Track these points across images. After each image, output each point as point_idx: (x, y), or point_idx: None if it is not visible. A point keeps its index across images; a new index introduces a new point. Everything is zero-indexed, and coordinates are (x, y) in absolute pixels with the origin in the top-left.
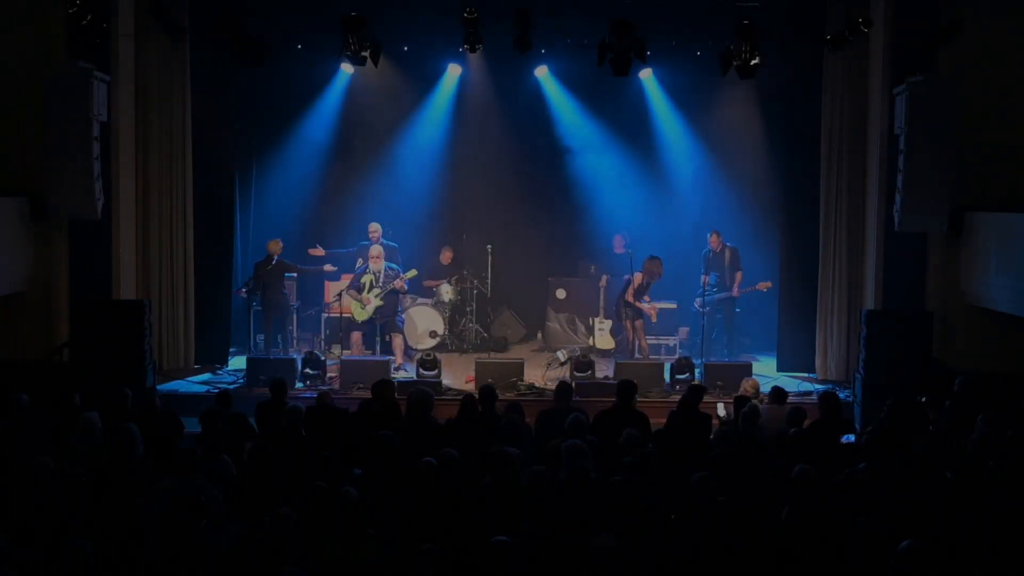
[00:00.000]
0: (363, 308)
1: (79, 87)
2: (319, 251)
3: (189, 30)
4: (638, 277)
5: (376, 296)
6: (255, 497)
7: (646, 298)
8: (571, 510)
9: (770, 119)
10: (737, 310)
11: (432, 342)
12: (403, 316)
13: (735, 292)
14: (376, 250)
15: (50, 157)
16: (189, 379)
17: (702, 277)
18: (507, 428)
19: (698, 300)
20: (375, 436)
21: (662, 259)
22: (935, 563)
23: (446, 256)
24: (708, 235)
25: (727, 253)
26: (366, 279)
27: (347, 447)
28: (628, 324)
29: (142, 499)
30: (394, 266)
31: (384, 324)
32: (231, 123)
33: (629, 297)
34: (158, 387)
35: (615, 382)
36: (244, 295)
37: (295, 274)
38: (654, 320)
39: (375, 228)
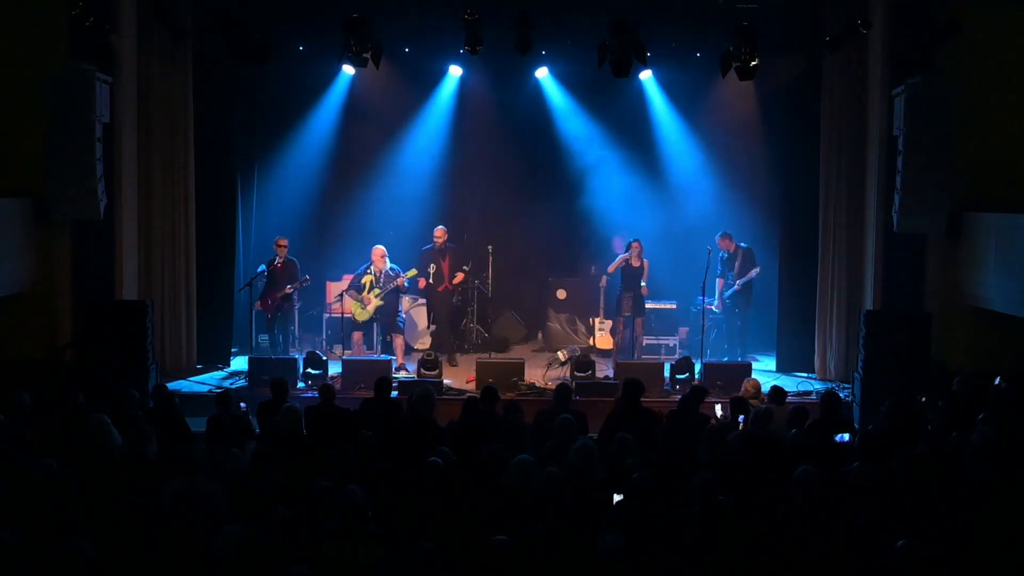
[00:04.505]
0: (364, 308)
1: (81, 88)
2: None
3: (191, 31)
4: (621, 259)
5: (376, 296)
6: (256, 497)
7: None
8: (572, 510)
9: (769, 120)
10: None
11: (430, 339)
12: (404, 316)
13: (737, 286)
14: (379, 250)
15: (53, 158)
16: (191, 379)
17: (717, 280)
18: (508, 429)
19: (717, 303)
20: (356, 436)
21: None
22: (932, 562)
23: None
24: (716, 238)
25: (740, 254)
26: (367, 279)
27: (347, 446)
28: (622, 320)
29: (149, 500)
30: (396, 267)
31: (385, 324)
32: (233, 124)
33: (611, 268)
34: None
35: (615, 382)
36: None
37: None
38: (636, 264)
39: (440, 232)
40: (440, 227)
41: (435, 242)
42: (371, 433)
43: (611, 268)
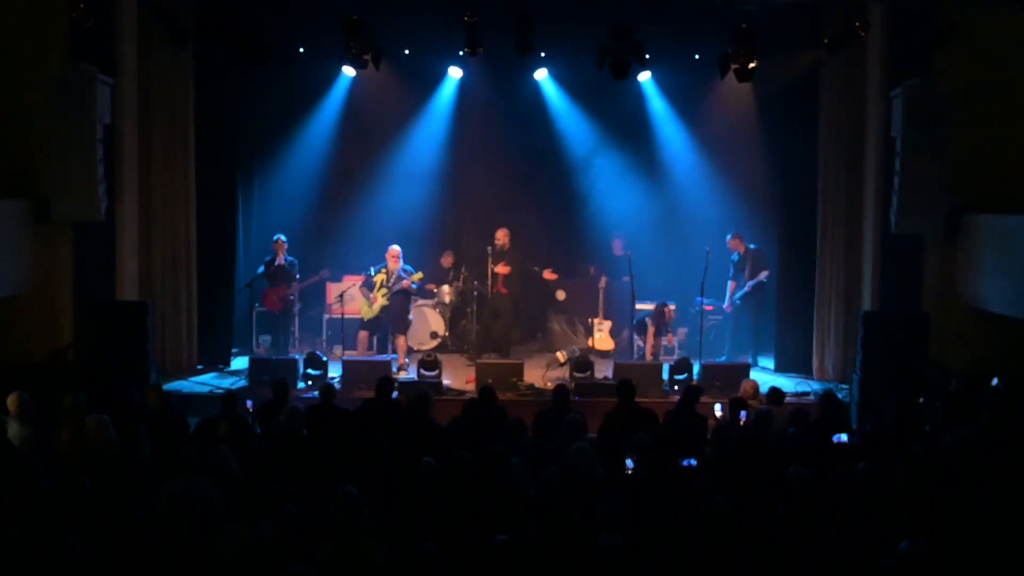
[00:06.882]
0: (370, 307)
1: (83, 90)
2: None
3: (192, 33)
4: (651, 329)
5: (383, 296)
6: (256, 497)
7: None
8: (575, 510)
9: (768, 122)
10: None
11: (433, 343)
12: (411, 317)
13: (747, 288)
14: (393, 251)
15: (54, 159)
16: (191, 379)
17: (729, 282)
18: (511, 429)
19: (727, 303)
20: (370, 438)
21: (669, 306)
22: (933, 563)
23: (447, 259)
24: (728, 239)
25: (750, 256)
26: (378, 278)
27: (348, 447)
28: (643, 338)
29: (146, 501)
30: (409, 268)
31: (392, 324)
32: (234, 125)
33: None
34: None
35: (614, 382)
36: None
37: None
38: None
39: (501, 235)
40: (502, 229)
41: (495, 244)
42: (384, 435)
43: (649, 351)
